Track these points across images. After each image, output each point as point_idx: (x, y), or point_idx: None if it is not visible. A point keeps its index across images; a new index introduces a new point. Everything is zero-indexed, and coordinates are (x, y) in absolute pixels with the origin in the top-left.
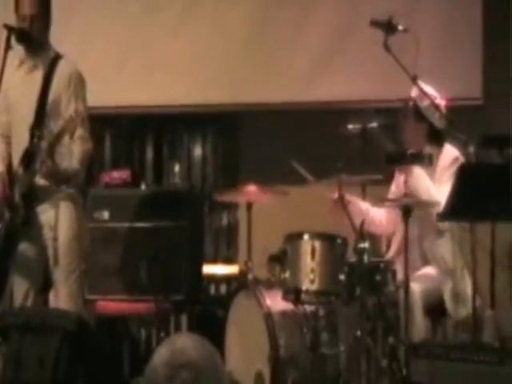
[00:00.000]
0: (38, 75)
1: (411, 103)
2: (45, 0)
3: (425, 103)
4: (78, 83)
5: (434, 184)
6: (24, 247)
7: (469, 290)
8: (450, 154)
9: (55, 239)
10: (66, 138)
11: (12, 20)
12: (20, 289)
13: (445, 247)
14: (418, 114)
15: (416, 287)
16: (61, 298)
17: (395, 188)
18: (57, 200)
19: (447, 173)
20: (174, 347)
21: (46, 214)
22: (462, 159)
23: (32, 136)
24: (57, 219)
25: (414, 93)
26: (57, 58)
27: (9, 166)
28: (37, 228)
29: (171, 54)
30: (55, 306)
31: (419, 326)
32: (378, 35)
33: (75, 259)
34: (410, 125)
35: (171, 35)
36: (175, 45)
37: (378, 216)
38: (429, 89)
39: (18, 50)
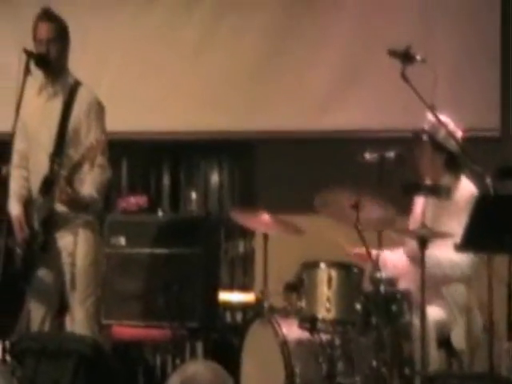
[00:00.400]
0: (58, 102)
1: (427, 133)
2: (61, 25)
3: (442, 132)
4: (98, 111)
5: (449, 217)
6: (42, 273)
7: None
8: (467, 190)
9: (73, 265)
10: (86, 166)
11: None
12: (37, 314)
13: (459, 289)
14: (435, 144)
15: (429, 319)
16: (76, 322)
17: (413, 218)
18: (75, 226)
19: (465, 209)
20: (186, 374)
21: (64, 239)
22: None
23: (52, 163)
24: (75, 245)
25: (428, 123)
26: (76, 85)
27: (28, 197)
28: (55, 253)
29: (187, 81)
30: (71, 329)
31: (433, 357)
32: (394, 64)
33: (92, 284)
34: (427, 155)
35: (187, 62)
36: (191, 72)
37: (391, 259)
38: (444, 118)
39: (36, 76)
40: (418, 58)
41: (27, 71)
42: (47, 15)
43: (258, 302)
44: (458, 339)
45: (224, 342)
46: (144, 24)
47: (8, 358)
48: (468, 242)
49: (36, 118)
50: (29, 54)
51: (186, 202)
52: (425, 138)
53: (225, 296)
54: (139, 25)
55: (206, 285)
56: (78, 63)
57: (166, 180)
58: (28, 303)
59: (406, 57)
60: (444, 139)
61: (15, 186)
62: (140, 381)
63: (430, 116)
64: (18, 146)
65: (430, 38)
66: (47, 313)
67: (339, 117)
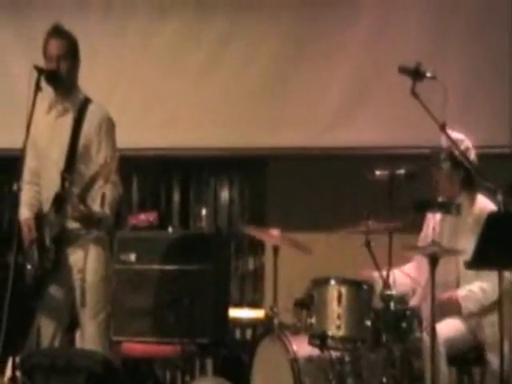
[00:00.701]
0: (68, 119)
1: (446, 150)
2: (72, 42)
3: (461, 148)
4: (109, 127)
5: (466, 234)
6: (52, 289)
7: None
8: (482, 206)
9: (83, 281)
10: (99, 183)
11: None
12: (48, 330)
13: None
14: (454, 161)
15: (439, 336)
16: (87, 338)
17: (425, 235)
18: (86, 243)
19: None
20: None
21: (75, 255)
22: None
23: (63, 180)
24: (85, 261)
25: (446, 140)
26: (86, 101)
27: (39, 210)
28: (66, 270)
29: (197, 98)
30: (81, 346)
31: (443, 374)
32: (404, 80)
33: (102, 301)
34: (445, 172)
35: (198, 79)
36: (202, 89)
37: (400, 278)
38: (459, 135)
39: (46, 93)
40: (428, 74)
41: (38, 88)
42: (58, 32)
43: (268, 319)
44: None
45: (234, 358)
46: (155, 41)
47: (18, 374)
48: (479, 259)
49: (46, 135)
50: (39, 71)
51: (195, 218)
52: (443, 155)
53: (235, 312)
54: (150, 42)
55: (216, 301)
56: (88, 80)
57: (176, 196)
58: (38, 319)
59: (416, 74)
60: (461, 155)
61: (26, 197)
62: None
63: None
64: (30, 163)
65: (440, 56)
66: (57, 329)
67: (349, 134)
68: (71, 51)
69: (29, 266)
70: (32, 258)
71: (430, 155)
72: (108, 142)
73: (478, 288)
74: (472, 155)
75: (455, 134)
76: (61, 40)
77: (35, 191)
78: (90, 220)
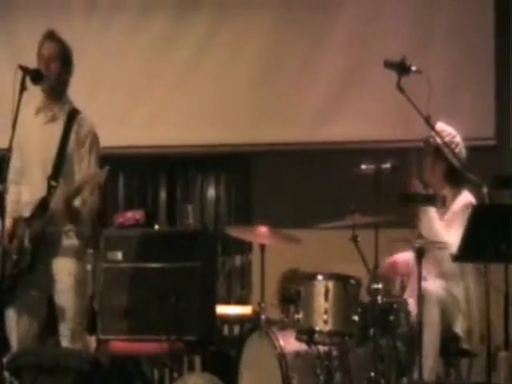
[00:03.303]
0: (57, 126)
1: (431, 140)
2: (64, 48)
3: (444, 140)
4: (95, 142)
5: (447, 226)
6: (28, 290)
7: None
8: (464, 199)
9: (58, 284)
10: (84, 192)
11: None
12: (22, 328)
13: (458, 289)
14: (437, 151)
15: (431, 294)
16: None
17: None
18: (63, 251)
19: (457, 218)
20: None
21: (51, 260)
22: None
23: (49, 186)
24: (60, 266)
25: (434, 132)
26: (75, 111)
27: (18, 215)
28: (41, 273)
29: (183, 95)
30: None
31: (431, 367)
32: (390, 75)
33: (75, 307)
34: (429, 163)
35: (183, 77)
36: (187, 86)
37: (402, 259)
38: (447, 128)
39: (34, 96)
40: (414, 68)
41: (23, 87)
42: (52, 35)
43: (256, 315)
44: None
45: (222, 354)
46: (140, 39)
47: (5, 374)
48: (465, 252)
49: (34, 139)
50: (24, 70)
51: (182, 216)
52: (425, 146)
53: (222, 309)
54: (135, 40)
55: (203, 298)
56: (72, 79)
57: (163, 194)
58: (9, 318)
59: (401, 68)
60: (443, 146)
61: (10, 199)
62: None
63: (436, 126)
64: (15, 163)
65: (424, 49)
66: (30, 328)
67: (336, 129)
68: (63, 55)
69: (14, 256)
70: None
71: (424, 146)
72: (94, 155)
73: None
74: (458, 149)
75: (448, 128)
76: (54, 43)
77: (17, 192)
78: (71, 215)
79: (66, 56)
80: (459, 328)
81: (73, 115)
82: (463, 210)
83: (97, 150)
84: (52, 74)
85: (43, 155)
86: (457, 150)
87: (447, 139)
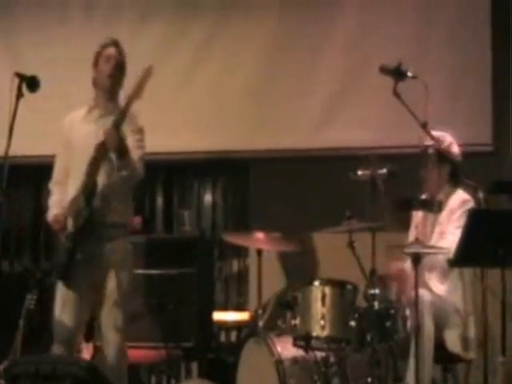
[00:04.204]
0: (108, 123)
1: (432, 148)
2: (123, 56)
3: (445, 144)
4: (142, 138)
5: (440, 226)
6: (79, 282)
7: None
8: (459, 196)
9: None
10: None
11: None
12: (70, 319)
13: (456, 294)
14: (440, 156)
15: (425, 299)
16: (104, 338)
17: (411, 234)
18: (118, 242)
19: (454, 215)
20: None
21: (106, 253)
22: (471, 202)
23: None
24: (115, 261)
25: (432, 140)
26: (125, 110)
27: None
28: (94, 265)
29: (181, 101)
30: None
31: (428, 372)
32: (387, 81)
33: (122, 300)
34: (433, 168)
35: (181, 82)
36: (185, 92)
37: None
38: (440, 133)
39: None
40: (410, 74)
41: (19, 94)
42: (117, 43)
43: (253, 321)
44: (453, 341)
45: (219, 361)
46: (137, 45)
47: (2, 382)
48: (462, 257)
49: (84, 136)
50: (20, 77)
51: (179, 222)
52: (431, 151)
53: (219, 315)
54: (133, 45)
55: (200, 304)
56: (71, 85)
57: (160, 200)
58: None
59: (397, 73)
60: (447, 149)
61: (55, 199)
62: None
63: (432, 131)
64: (63, 163)
65: (422, 55)
66: (80, 320)
67: (332, 135)
68: (121, 61)
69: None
70: (64, 249)
71: (420, 153)
72: (140, 150)
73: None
74: (455, 149)
75: (436, 132)
76: (119, 50)
77: (62, 192)
78: (122, 148)
79: (124, 64)
80: (454, 335)
81: (123, 112)
82: (461, 205)
83: (143, 145)
84: (116, 75)
85: (91, 151)
86: (454, 150)
87: (446, 142)
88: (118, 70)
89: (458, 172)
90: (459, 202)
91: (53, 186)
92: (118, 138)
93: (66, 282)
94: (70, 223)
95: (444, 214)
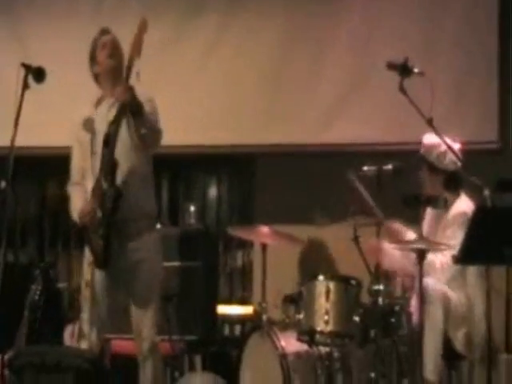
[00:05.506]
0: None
1: (421, 157)
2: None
3: (434, 154)
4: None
5: (443, 231)
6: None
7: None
8: (460, 206)
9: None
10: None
11: None
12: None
13: (459, 292)
14: (431, 167)
15: (435, 289)
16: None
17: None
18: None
19: (451, 228)
20: None
21: (135, 248)
22: (469, 214)
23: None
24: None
25: (422, 146)
26: (129, 67)
27: None
28: (124, 259)
29: (187, 96)
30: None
31: (433, 368)
32: (394, 78)
33: (152, 291)
34: (426, 176)
35: (187, 77)
36: (191, 87)
37: (390, 254)
38: (435, 139)
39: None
40: (416, 70)
41: (25, 85)
42: (106, 30)
43: (257, 315)
44: (459, 340)
45: (223, 354)
46: (146, 39)
47: (7, 372)
48: (466, 254)
49: (100, 129)
50: (27, 68)
51: (184, 215)
52: (420, 160)
53: (223, 309)
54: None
55: (204, 298)
56: (74, 80)
57: (165, 194)
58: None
59: (403, 69)
60: (437, 159)
61: (75, 201)
62: None
63: (424, 139)
64: (79, 163)
65: (430, 53)
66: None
67: (339, 131)
68: (119, 46)
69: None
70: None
71: (413, 162)
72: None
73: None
74: (450, 157)
75: (431, 139)
76: (110, 34)
77: (84, 191)
78: (136, 104)
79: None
80: (458, 333)
81: (128, 68)
82: (458, 218)
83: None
84: (117, 54)
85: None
86: (447, 158)
87: (436, 150)
88: (118, 50)
89: (456, 179)
90: (458, 212)
91: (71, 187)
92: (130, 94)
93: (106, 269)
94: (98, 213)
95: (447, 221)
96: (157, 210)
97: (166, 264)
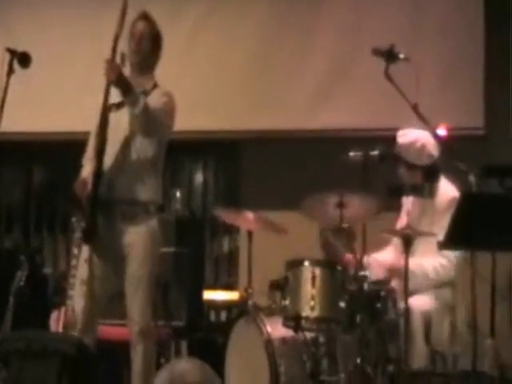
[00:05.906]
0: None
1: (397, 156)
2: (156, 29)
3: (411, 153)
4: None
5: (430, 220)
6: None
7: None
8: (446, 194)
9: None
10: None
11: None
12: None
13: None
14: (409, 165)
15: (415, 309)
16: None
17: (401, 219)
18: (141, 222)
19: (446, 216)
20: (174, 372)
21: (127, 232)
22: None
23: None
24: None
25: (397, 146)
26: (154, 86)
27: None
28: (116, 243)
29: (173, 81)
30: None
31: (418, 354)
32: (380, 64)
33: (145, 276)
34: (404, 172)
35: (173, 63)
36: (177, 72)
37: (377, 262)
38: (412, 136)
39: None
40: (402, 56)
41: (10, 70)
42: (145, 16)
43: (243, 301)
44: (439, 339)
45: (209, 340)
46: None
47: None
48: (451, 240)
49: (120, 118)
50: (12, 53)
51: (170, 201)
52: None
53: (209, 295)
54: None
55: (190, 284)
56: (65, 68)
57: None
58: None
59: (389, 55)
60: (415, 158)
61: (85, 171)
62: (125, 380)
63: (399, 138)
64: (93, 142)
65: (415, 39)
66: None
67: (325, 116)
68: (153, 36)
69: (82, 224)
70: (84, 213)
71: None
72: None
73: (431, 265)
74: (428, 150)
75: (406, 138)
76: (146, 23)
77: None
78: (124, 83)
79: (158, 37)
80: (444, 333)
81: (151, 89)
82: (450, 207)
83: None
84: (142, 50)
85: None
86: (424, 154)
87: (412, 149)
88: (146, 43)
89: (434, 171)
90: (448, 201)
91: (84, 161)
92: (116, 73)
93: (91, 244)
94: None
95: (433, 210)
96: (159, 198)
97: None
